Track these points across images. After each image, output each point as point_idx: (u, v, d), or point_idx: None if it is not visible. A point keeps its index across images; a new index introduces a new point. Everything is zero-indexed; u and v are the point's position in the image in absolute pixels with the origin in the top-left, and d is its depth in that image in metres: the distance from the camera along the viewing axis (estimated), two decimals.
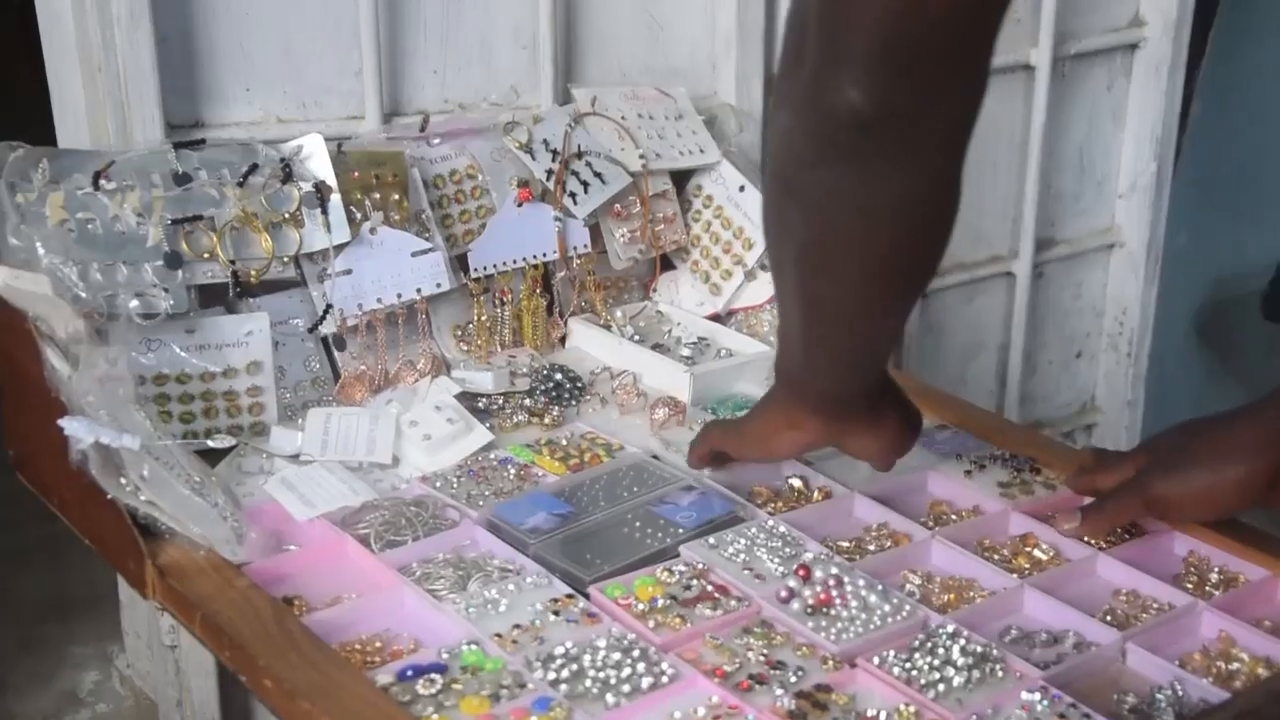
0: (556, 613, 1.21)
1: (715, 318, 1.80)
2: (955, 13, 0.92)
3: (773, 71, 1.98)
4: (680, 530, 1.32)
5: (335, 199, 1.57)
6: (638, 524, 1.34)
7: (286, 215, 1.54)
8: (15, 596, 2.55)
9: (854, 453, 1.34)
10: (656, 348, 1.72)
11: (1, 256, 1.39)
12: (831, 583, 1.22)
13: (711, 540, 1.30)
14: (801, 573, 1.23)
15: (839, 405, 1.27)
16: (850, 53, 0.93)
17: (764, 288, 1.78)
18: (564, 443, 1.51)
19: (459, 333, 1.68)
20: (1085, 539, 1.33)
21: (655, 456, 1.49)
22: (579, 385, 1.63)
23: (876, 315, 1.13)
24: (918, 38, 0.92)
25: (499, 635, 1.17)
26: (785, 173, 1.03)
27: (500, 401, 1.59)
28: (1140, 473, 1.31)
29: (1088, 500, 1.36)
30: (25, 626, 2.47)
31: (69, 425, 1.26)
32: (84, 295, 1.39)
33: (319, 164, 1.58)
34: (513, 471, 1.45)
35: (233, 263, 1.51)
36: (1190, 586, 1.28)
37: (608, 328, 1.75)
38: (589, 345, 1.74)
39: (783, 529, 1.32)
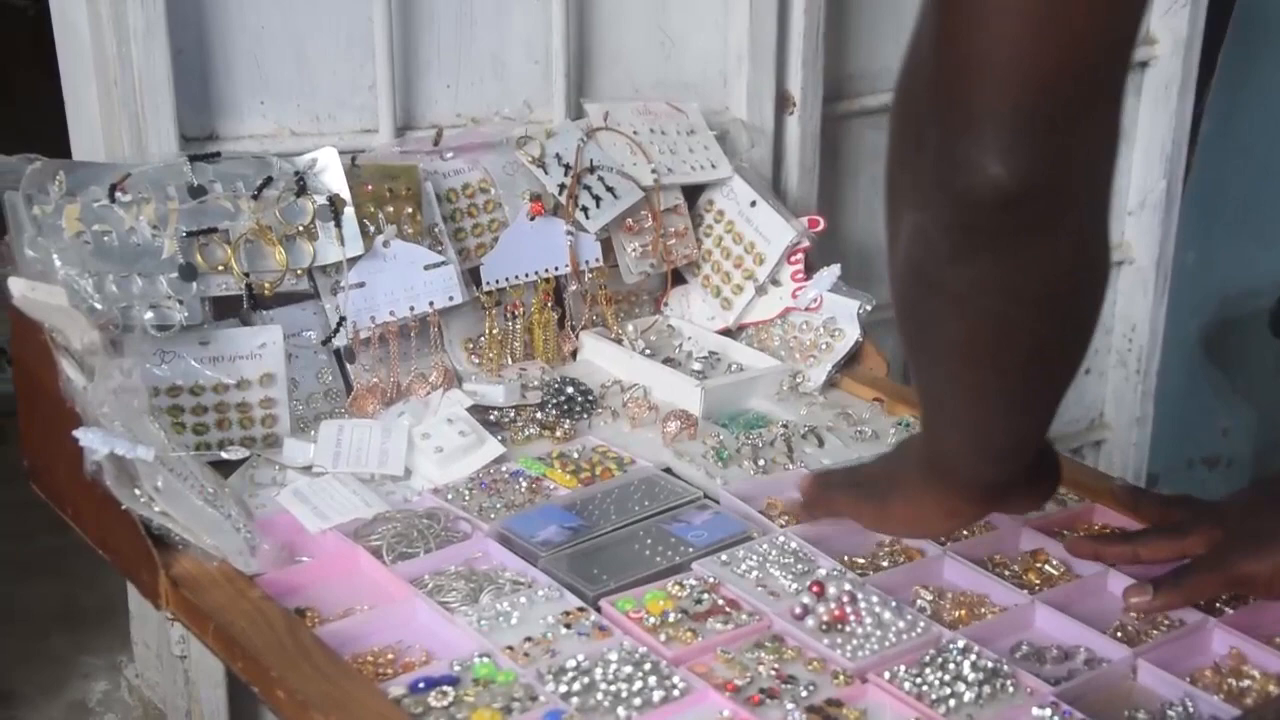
0: (568, 626, 1.21)
1: (726, 332, 1.80)
2: (1091, 61, 0.84)
3: (784, 88, 1.99)
4: (691, 549, 1.32)
5: (349, 212, 1.58)
6: (649, 541, 1.34)
7: (300, 228, 1.55)
8: (26, 607, 2.55)
9: (1006, 513, 1.29)
10: (667, 361, 1.72)
11: (18, 268, 1.40)
12: (845, 600, 1.22)
13: (724, 557, 1.30)
14: (815, 589, 1.23)
15: (1002, 487, 1.15)
16: (985, 122, 0.84)
17: (775, 302, 1.79)
18: (575, 456, 1.52)
19: (470, 345, 1.68)
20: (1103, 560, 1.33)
21: (667, 470, 1.50)
22: (590, 398, 1.64)
23: (1040, 396, 1.03)
24: (1058, 94, 0.83)
25: (510, 648, 1.18)
26: (925, 270, 0.93)
27: (512, 414, 1.60)
28: (1219, 548, 1.23)
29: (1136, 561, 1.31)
30: (35, 637, 2.47)
31: (84, 436, 1.26)
32: (99, 307, 1.40)
33: (333, 177, 1.58)
34: (524, 484, 1.46)
35: (247, 275, 1.51)
36: (1201, 603, 1.28)
37: (619, 341, 1.75)
38: (600, 359, 1.74)
39: (795, 545, 1.32)
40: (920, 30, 0.87)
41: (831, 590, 1.23)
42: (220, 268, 1.50)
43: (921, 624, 1.21)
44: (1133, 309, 2.50)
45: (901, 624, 1.20)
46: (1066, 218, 0.88)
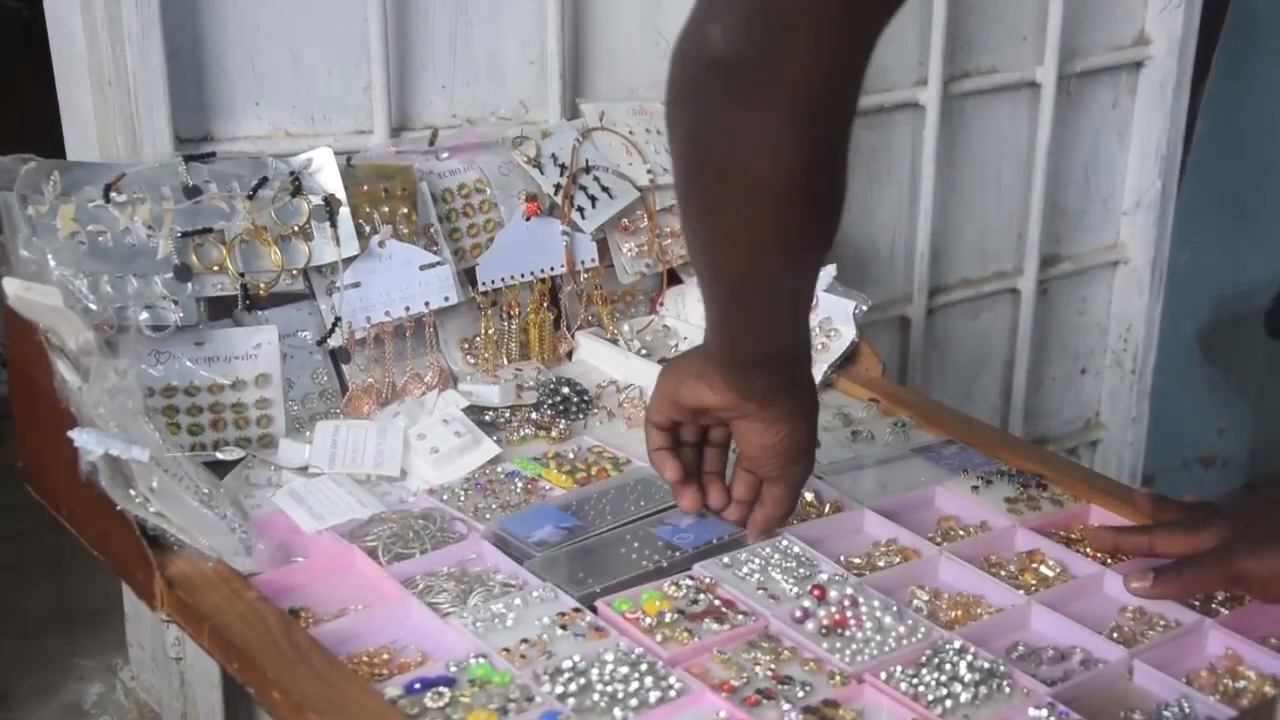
0: (564, 627, 1.21)
1: None
2: None
3: None
4: (677, 553, 1.32)
5: (344, 212, 1.57)
6: (636, 544, 1.34)
7: (296, 228, 1.55)
8: (20, 608, 2.55)
9: (745, 443, 1.27)
10: (663, 362, 1.72)
11: (13, 268, 1.39)
12: (846, 603, 1.22)
13: (725, 559, 1.30)
14: (816, 593, 1.23)
15: (738, 370, 1.22)
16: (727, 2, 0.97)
17: None
18: (571, 456, 1.52)
19: (466, 346, 1.68)
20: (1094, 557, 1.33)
21: None
22: (586, 399, 1.63)
23: (760, 276, 1.11)
24: None
25: (506, 649, 1.18)
26: (667, 106, 1.05)
27: (507, 415, 1.60)
28: (1224, 544, 1.22)
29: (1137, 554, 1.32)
30: (30, 638, 2.47)
31: (79, 437, 1.26)
32: (94, 307, 1.40)
33: (328, 177, 1.58)
34: (520, 485, 1.46)
35: (242, 275, 1.51)
36: (1197, 604, 1.28)
37: (615, 341, 1.75)
38: (596, 359, 1.74)
39: (797, 549, 1.32)
40: None
41: (833, 594, 1.23)
42: (215, 268, 1.50)
43: (922, 629, 1.21)
44: (1128, 309, 2.50)
45: (902, 629, 1.20)
46: (776, 104, 0.97)
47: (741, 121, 0.98)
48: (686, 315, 1.83)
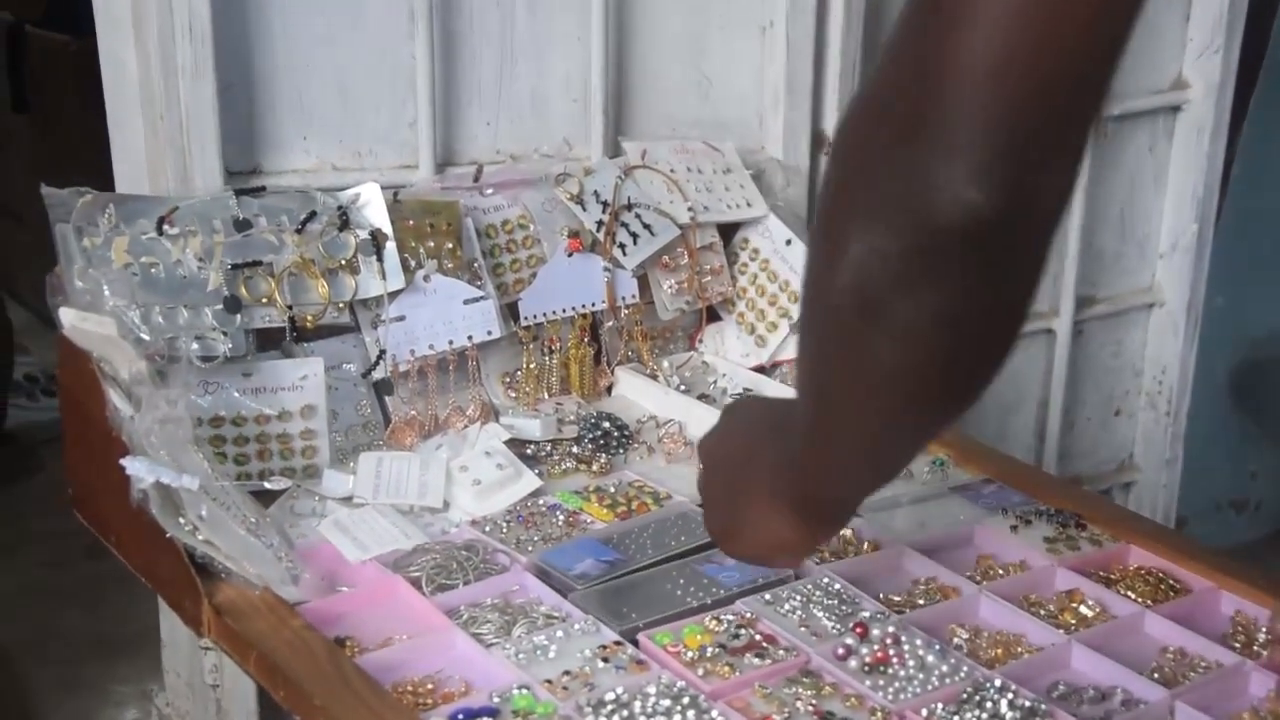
0: (605, 659, 1.22)
1: (760, 369, 1.81)
2: (1078, 79, 0.76)
3: (819, 128, 2.01)
4: (722, 591, 1.33)
5: (390, 246, 1.60)
6: (681, 580, 1.35)
7: (343, 262, 1.57)
8: (58, 635, 2.57)
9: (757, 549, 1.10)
10: (702, 398, 1.73)
11: (69, 299, 1.42)
12: (889, 641, 1.22)
13: (767, 596, 1.31)
14: (859, 630, 1.24)
15: (838, 520, 1.08)
16: (962, 140, 0.75)
17: None
18: (612, 490, 1.53)
19: (507, 380, 1.70)
20: (1133, 597, 1.34)
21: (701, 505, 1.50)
22: (626, 433, 1.65)
23: (944, 430, 0.95)
24: (1048, 114, 0.76)
25: (549, 681, 1.19)
26: (869, 298, 0.82)
27: (548, 448, 1.61)
28: None
29: None
30: (67, 665, 2.49)
31: (131, 465, 1.28)
32: (146, 338, 1.42)
33: (375, 212, 1.60)
34: (561, 518, 1.47)
35: (290, 308, 1.53)
36: (1238, 646, 1.28)
37: (654, 377, 1.76)
38: (635, 394, 1.75)
39: (838, 586, 1.33)
40: (892, 43, 0.80)
41: (875, 631, 1.23)
42: (264, 300, 1.52)
43: (965, 667, 1.21)
44: (1163, 351, 2.50)
45: (944, 667, 1.20)
46: (1032, 251, 0.81)
47: (1003, 276, 0.81)
48: (725, 352, 1.85)
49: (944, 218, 0.76)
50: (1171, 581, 1.39)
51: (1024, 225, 0.78)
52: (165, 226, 1.49)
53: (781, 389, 1.76)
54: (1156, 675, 1.24)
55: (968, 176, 0.75)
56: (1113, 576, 1.40)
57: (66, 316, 1.39)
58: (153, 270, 1.47)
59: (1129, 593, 1.36)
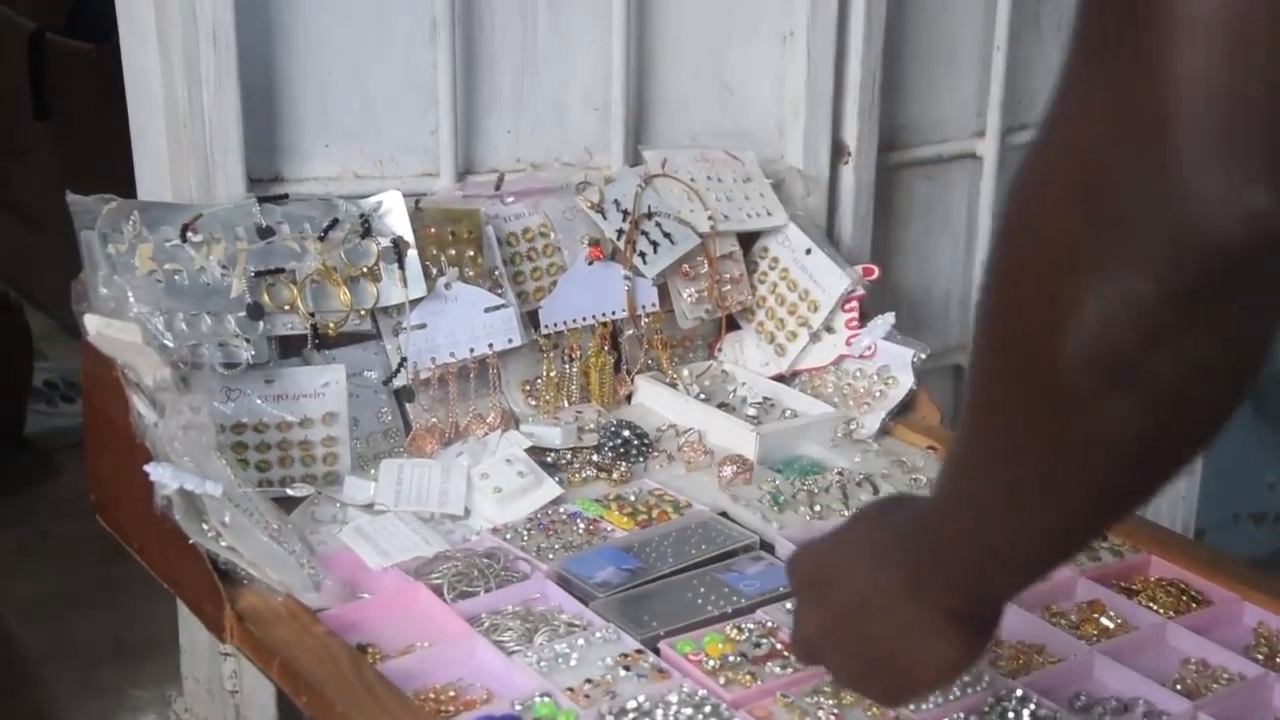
0: (627, 668, 1.22)
1: (780, 378, 1.81)
2: None
3: (839, 137, 2.01)
4: (742, 600, 1.33)
5: (412, 254, 1.60)
6: (702, 589, 1.35)
7: (364, 269, 1.58)
8: (76, 639, 2.58)
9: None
10: (722, 406, 1.74)
11: (93, 305, 1.43)
12: None
13: (788, 605, 1.31)
14: None
15: (990, 625, 0.92)
16: (1249, 143, 0.63)
17: (829, 350, 1.80)
18: (632, 498, 1.53)
19: (527, 388, 1.70)
20: (1155, 608, 1.33)
21: (723, 514, 1.51)
22: (646, 442, 1.65)
23: (1138, 505, 0.82)
24: None
25: (570, 689, 1.19)
26: (1120, 357, 0.69)
27: (568, 456, 1.61)
28: None
29: None
30: (85, 669, 2.49)
31: (154, 471, 1.29)
32: (170, 344, 1.43)
33: (397, 220, 1.61)
34: (582, 526, 1.47)
35: (312, 315, 1.54)
36: (1261, 658, 1.28)
37: (674, 386, 1.77)
38: (655, 402, 1.76)
39: None
40: (1080, 57, 0.69)
41: None
42: (286, 307, 1.53)
43: (986, 677, 1.21)
44: None
45: (967, 677, 1.20)
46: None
47: (1270, 314, 0.70)
48: (744, 361, 1.85)
49: (1230, 233, 0.64)
50: (1193, 592, 1.38)
51: None
52: (189, 233, 1.50)
53: (800, 398, 1.76)
54: (1179, 687, 1.23)
55: (1250, 177, 0.63)
56: (1134, 587, 1.40)
57: (91, 323, 1.39)
58: (176, 277, 1.48)
59: (1150, 604, 1.36)
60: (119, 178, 1.79)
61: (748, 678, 1.21)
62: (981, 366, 0.77)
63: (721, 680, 1.20)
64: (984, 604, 0.88)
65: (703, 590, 1.34)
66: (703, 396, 1.75)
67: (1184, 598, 1.37)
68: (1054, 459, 0.75)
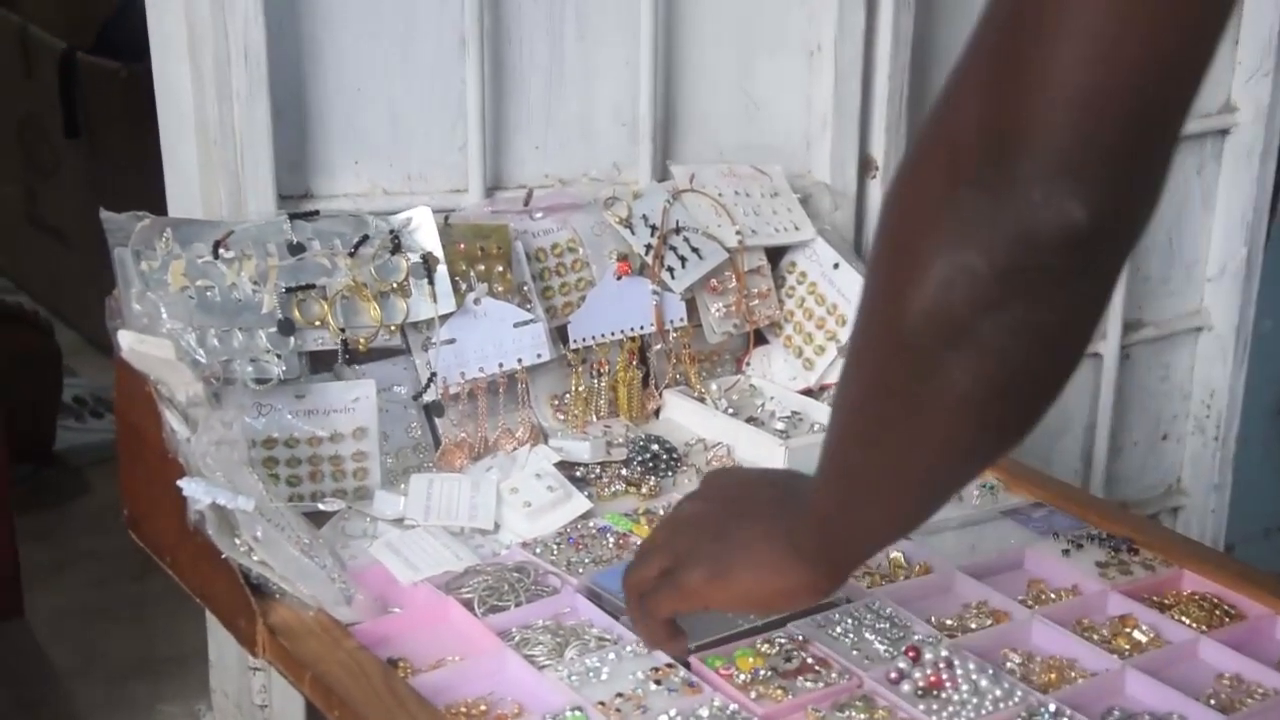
0: (658, 682, 1.22)
1: (808, 392, 1.81)
2: (1181, 90, 0.77)
3: (867, 152, 2.01)
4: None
5: (441, 270, 1.61)
6: None
7: (394, 285, 1.58)
8: (104, 654, 2.59)
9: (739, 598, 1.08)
10: (750, 421, 1.74)
11: (126, 321, 1.44)
12: (942, 665, 1.22)
13: (819, 619, 1.31)
14: (911, 654, 1.24)
15: (844, 569, 1.03)
16: (1071, 160, 0.76)
17: None
18: (661, 513, 1.53)
19: (556, 402, 1.71)
20: (1187, 623, 1.33)
21: None
22: (675, 456, 1.65)
23: (982, 466, 0.94)
24: (1143, 126, 0.77)
25: (602, 703, 1.19)
26: (952, 320, 0.81)
27: (597, 471, 1.61)
28: None
29: None
30: (114, 684, 2.50)
31: (187, 486, 1.30)
32: (202, 360, 1.43)
33: (427, 236, 1.62)
34: (611, 540, 1.47)
35: (342, 330, 1.54)
36: None
37: (702, 400, 1.77)
38: (683, 417, 1.76)
39: (889, 609, 1.33)
40: (965, 68, 0.80)
41: (928, 656, 1.23)
42: (317, 323, 1.54)
43: (1019, 693, 1.21)
44: (1211, 375, 2.48)
45: (998, 691, 1.20)
46: (1118, 266, 0.82)
47: (1090, 293, 0.81)
48: (772, 375, 1.85)
49: (1046, 233, 0.76)
50: (1226, 607, 1.38)
51: (1119, 239, 0.79)
52: (221, 250, 1.51)
53: (829, 412, 1.75)
54: (1213, 701, 1.23)
55: (1069, 191, 0.75)
56: (1166, 602, 1.39)
57: (124, 339, 1.40)
58: (208, 293, 1.49)
59: (1183, 618, 1.35)
60: (149, 195, 1.80)
61: (779, 692, 1.21)
62: (851, 335, 0.91)
63: (753, 695, 1.20)
64: (833, 547, 0.99)
65: None
66: (731, 411, 1.75)
67: (1217, 612, 1.37)
68: (897, 410, 0.87)
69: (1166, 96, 0.77)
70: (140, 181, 1.93)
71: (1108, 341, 2.36)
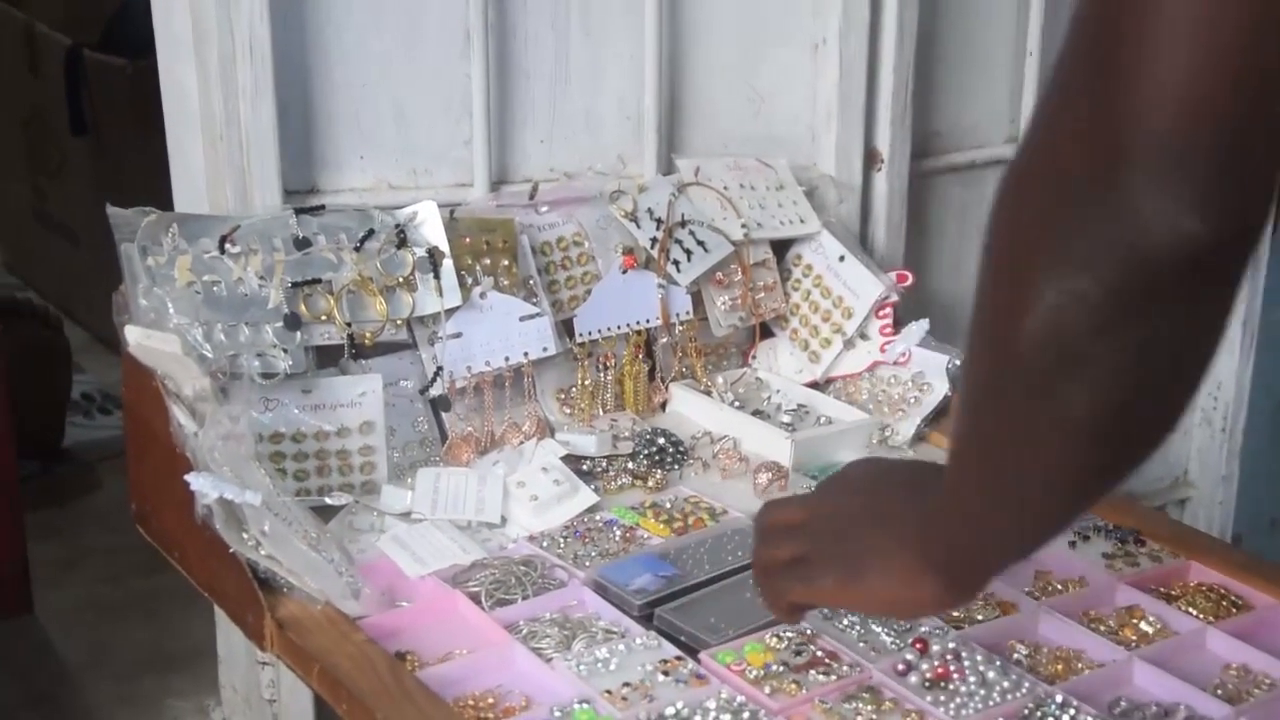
0: (666, 673, 1.23)
1: (814, 385, 1.82)
2: (1273, 99, 0.75)
3: (872, 145, 2.01)
4: None
5: (447, 264, 1.61)
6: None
7: (400, 279, 1.59)
8: (114, 650, 2.60)
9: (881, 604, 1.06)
10: (756, 414, 1.74)
11: (134, 317, 1.44)
12: (949, 657, 1.22)
13: (826, 612, 1.31)
14: (919, 646, 1.24)
15: (980, 584, 1.01)
16: (1185, 174, 0.74)
17: (863, 356, 1.80)
18: (668, 506, 1.53)
19: (563, 396, 1.71)
20: (1194, 613, 1.33)
21: None
22: (681, 449, 1.65)
23: (1118, 485, 0.90)
24: (1253, 133, 0.75)
25: (609, 692, 1.19)
26: (1066, 346, 0.79)
27: (604, 464, 1.62)
28: None
29: None
30: (124, 680, 2.51)
31: (195, 481, 1.30)
32: (209, 355, 1.44)
33: (432, 230, 1.62)
34: (618, 533, 1.48)
35: (349, 325, 1.55)
36: None
37: (708, 393, 1.77)
38: (689, 410, 1.76)
39: None
40: (1060, 86, 0.79)
41: (935, 647, 1.23)
42: (323, 317, 1.54)
43: (1026, 683, 1.21)
44: (1219, 367, 2.48)
45: (1005, 683, 1.20)
46: (1237, 279, 0.78)
47: (1211, 308, 0.79)
48: (778, 368, 1.85)
49: (1162, 250, 0.74)
50: (1233, 598, 1.38)
51: (1237, 248, 0.77)
52: (227, 245, 1.51)
53: (835, 404, 1.76)
54: (1220, 692, 1.23)
55: (1186, 206, 0.74)
56: (1173, 593, 1.39)
57: (131, 334, 1.41)
58: (215, 288, 1.49)
59: (1190, 609, 1.35)
60: (155, 191, 1.80)
61: (793, 686, 1.21)
62: (966, 356, 0.88)
63: (766, 689, 1.20)
64: (960, 562, 0.96)
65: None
66: (737, 404, 1.75)
67: (1224, 603, 1.37)
68: (1013, 431, 0.85)
69: (1268, 98, 0.75)
70: (147, 177, 1.93)
71: None
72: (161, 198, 1.79)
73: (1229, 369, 2.47)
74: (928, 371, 1.74)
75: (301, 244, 1.55)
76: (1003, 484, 0.89)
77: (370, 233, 1.58)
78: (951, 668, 1.22)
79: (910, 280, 1.82)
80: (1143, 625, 1.33)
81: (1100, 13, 0.76)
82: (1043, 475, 0.86)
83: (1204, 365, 0.81)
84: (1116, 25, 0.75)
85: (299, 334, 1.52)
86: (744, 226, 1.82)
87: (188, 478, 1.30)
